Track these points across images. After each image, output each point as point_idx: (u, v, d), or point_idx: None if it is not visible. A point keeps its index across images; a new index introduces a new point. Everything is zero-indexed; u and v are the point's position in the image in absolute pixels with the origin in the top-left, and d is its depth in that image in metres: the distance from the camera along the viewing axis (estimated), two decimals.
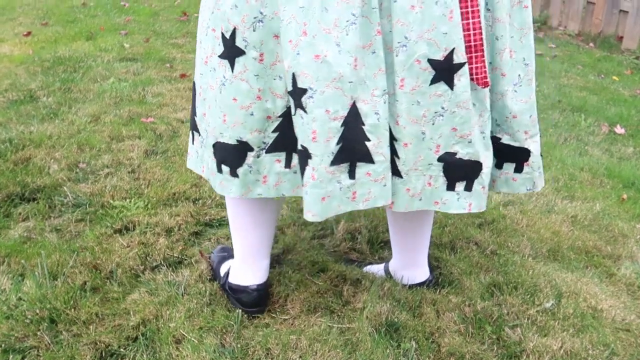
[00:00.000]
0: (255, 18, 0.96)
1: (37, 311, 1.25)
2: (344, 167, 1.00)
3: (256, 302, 1.29)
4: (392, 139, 1.03)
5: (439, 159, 1.05)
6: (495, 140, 1.12)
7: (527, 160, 1.13)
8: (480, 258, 1.56)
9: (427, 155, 1.04)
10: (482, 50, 1.00)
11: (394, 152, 1.04)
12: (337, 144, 0.98)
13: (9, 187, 1.75)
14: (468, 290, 1.42)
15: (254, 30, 0.97)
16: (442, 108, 1.01)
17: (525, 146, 1.12)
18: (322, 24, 0.92)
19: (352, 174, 1.01)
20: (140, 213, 1.66)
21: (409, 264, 1.39)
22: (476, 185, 1.09)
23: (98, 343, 1.18)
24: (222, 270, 1.37)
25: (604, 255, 1.64)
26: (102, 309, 1.28)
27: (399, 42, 0.96)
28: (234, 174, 1.07)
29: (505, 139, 1.12)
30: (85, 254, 1.46)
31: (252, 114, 1.02)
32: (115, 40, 3.52)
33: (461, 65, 0.99)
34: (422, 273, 1.41)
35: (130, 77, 2.86)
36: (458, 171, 1.06)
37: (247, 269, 1.28)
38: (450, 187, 1.08)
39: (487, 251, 1.61)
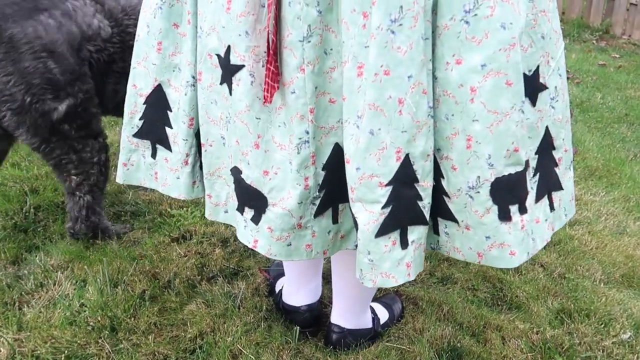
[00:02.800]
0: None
1: (99, 318, 1.26)
2: (147, 143, 1.04)
3: (309, 322, 1.25)
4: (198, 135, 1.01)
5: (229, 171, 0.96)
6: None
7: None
8: (548, 281, 1.47)
9: (225, 164, 0.97)
10: (272, 56, 0.83)
11: (198, 150, 1.02)
12: (140, 119, 1.04)
13: None
14: (536, 316, 1.34)
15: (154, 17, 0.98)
16: (229, 114, 0.91)
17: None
18: (143, 6, 0.99)
19: (153, 154, 1.05)
20: (197, 222, 1.67)
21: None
22: (263, 222, 0.93)
23: (156, 354, 1.19)
24: (277, 287, 1.35)
25: None
26: (160, 319, 1.28)
27: (198, 32, 0.93)
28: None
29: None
30: (144, 262, 1.48)
31: None
32: None
33: (238, 67, 0.86)
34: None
35: None
36: (244, 194, 0.94)
37: (298, 289, 1.25)
38: (240, 208, 0.96)
39: (554, 274, 1.52)
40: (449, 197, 0.88)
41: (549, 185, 0.95)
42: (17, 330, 1.24)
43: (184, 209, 1.75)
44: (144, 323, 1.26)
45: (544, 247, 1.64)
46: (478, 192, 0.85)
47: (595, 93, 3.15)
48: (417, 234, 0.88)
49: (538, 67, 0.87)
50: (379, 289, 1.35)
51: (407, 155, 0.83)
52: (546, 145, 0.93)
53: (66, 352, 1.18)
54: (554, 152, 0.95)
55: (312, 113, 0.85)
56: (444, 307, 1.34)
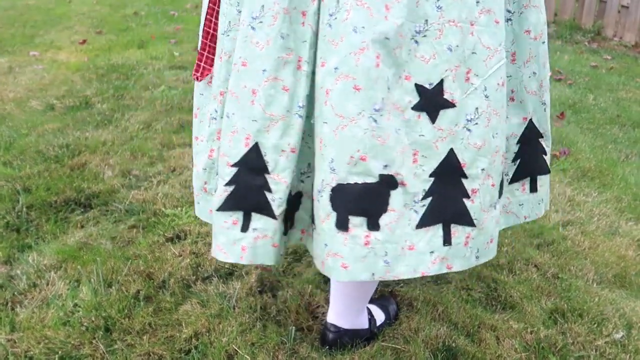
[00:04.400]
0: None
1: (93, 319, 1.25)
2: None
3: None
4: None
5: None
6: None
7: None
8: (541, 281, 1.48)
9: None
10: (207, 44, 0.98)
11: None
12: None
13: (66, 192, 1.79)
14: (529, 316, 1.34)
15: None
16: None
17: None
18: None
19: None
20: (192, 222, 1.66)
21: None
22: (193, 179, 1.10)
23: (151, 354, 1.18)
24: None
25: None
26: (155, 319, 1.28)
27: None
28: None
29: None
30: (138, 262, 1.47)
31: None
32: (165, 49, 3.59)
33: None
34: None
35: (180, 85, 2.91)
36: None
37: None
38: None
39: (547, 274, 1.53)
40: (311, 198, 0.92)
41: (445, 215, 0.86)
42: (10, 331, 1.23)
43: (179, 208, 1.74)
44: (139, 323, 1.26)
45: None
46: (322, 195, 0.85)
47: (588, 94, 3.17)
48: (262, 223, 0.90)
49: (442, 81, 0.81)
50: (375, 290, 1.35)
51: (256, 144, 0.88)
52: (449, 170, 0.85)
53: (60, 352, 1.17)
54: (464, 181, 0.86)
55: (222, 95, 0.94)
56: (438, 307, 1.35)
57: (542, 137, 1.07)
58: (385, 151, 0.81)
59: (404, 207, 0.84)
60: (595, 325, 1.33)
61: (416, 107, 0.82)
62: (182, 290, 1.38)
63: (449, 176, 0.85)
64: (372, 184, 0.82)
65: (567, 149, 2.37)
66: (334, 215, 0.84)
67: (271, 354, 1.19)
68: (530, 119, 1.04)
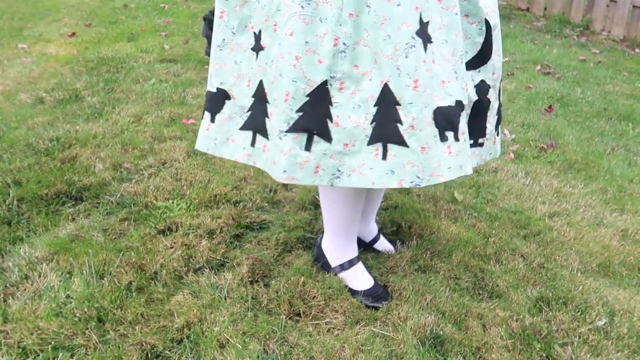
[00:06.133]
0: None
1: (86, 309, 1.27)
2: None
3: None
4: None
5: None
6: None
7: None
8: (527, 271, 1.52)
9: None
10: None
11: None
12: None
13: (57, 185, 1.79)
14: (515, 305, 1.38)
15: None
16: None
17: None
18: None
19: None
20: (183, 214, 1.68)
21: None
22: None
23: (144, 344, 1.19)
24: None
25: None
26: (147, 310, 1.29)
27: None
28: None
29: None
30: (130, 254, 1.48)
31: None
32: (155, 42, 3.58)
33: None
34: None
35: (171, 79, 2.91)
36: None
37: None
38: None
39: (533, 264, 1.56)
40: None
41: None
42: (2, 322, 1.23)
43: (170, 201, 1.75)
44: (131, 314, 1.27)
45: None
46: None
47: (575, 88, 3.21)
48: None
49: (260, 30, 1.13)
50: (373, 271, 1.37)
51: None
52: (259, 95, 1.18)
53: (53, 342, 1.18)
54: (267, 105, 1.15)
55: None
56: (427, 296, 1.37)
57: (399, 104, 1.03)
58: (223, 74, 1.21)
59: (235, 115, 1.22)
60: (579, 313, 1.36)
61: (254, 48, 1.15)
62: (174, 281, 1.40)
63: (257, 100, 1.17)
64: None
65: (554, 142, 2.40)
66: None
67: (262, 342, 1.21)
68: (386, 83, 1.03)
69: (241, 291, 1.36)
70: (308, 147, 1.06)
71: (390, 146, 1.03)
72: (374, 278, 1.40)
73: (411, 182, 1.03)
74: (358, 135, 1.05)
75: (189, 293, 1.35)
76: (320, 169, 1.08)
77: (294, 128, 1.06)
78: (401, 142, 1.03)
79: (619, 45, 4.30)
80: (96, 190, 1.79)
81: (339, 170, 1.08)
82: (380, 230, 1.58)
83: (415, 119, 1.01)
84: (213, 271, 1.44)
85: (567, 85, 3.25)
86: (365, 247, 1.55)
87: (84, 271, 1.39)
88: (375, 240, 1.56)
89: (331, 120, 1.05)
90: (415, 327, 1.27)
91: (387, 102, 1.01)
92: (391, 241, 1.59)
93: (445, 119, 1.05)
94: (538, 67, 3.56)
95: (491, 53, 1.18)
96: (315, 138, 1.06)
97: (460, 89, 1.09)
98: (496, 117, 1.27)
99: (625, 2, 4.30)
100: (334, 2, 1.00)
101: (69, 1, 4.86)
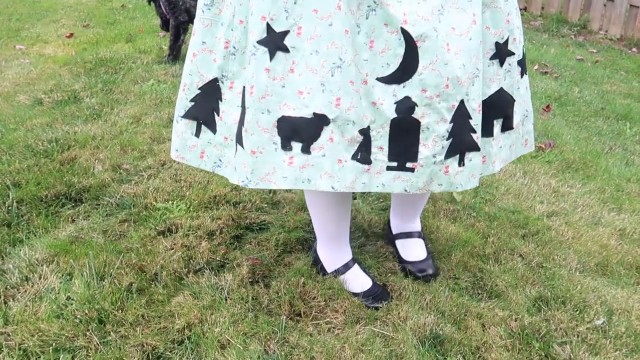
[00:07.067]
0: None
1: (86, 311, 1.27)
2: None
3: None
4: None
5: None
6: None
7: None
8: (526, 271, 1.52)
9: None
10: None
11: None
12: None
13: (57, 187, 1.79)
14: (514, 304, 1.38)
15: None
16: None
17: None
18: None
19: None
20: (183, 215, 1.68)
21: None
22: None
23: (145, 345, 1.20)
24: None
25: None
26: (148, 311, 1.29)
27: None
28: None
29: None
30: (130, 255, 1.48)
31: None
32: (153, 42, 3.58)
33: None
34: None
35: (169, 79, 2.91)
36: None
37: None
38: None
39: (532, 263, 1.57)
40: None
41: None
42: (3, 324, 1.24)
43: (170, 202, 1.75)
44: (132, 315, 1.27)
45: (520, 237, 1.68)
46: None
47: (573, 87, 3.22)
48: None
49: None
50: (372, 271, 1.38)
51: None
52: None
53: (54, 344, 1.18)
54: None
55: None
56: (426, 296, 1.38)
57: (245, 107, 1.12)
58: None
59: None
60: (578, 312, 1.37)
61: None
62: (174, 282, 1.40)
63: None
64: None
65: (552, 141, 2.41)
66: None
67: (263, 343, 1.22)
68: (244, 87, 1.12)
69: (241, 292, 1.37)
70: (197, 134, 1.20)
71: (238, 146, 1.13)
72: (372, 278, 1.41)
73: (242, 181, 1.10)
74: (234, 131, 1.15)
75: (190, 294, 1.35)
76: (205, 155, 1.21)
77: (187, 115, 1.20)
78: (240, 143, 1.11)
79: (616, 44, 4.32)
80: (96, 191, 1.80)
81: (220, 160, 1.19)
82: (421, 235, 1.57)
83: (248, 122, 1.07)
84: (213, 272, 1.44)
85: (565, 84, 3.26)
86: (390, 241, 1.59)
87: (85, 273, 1.39)
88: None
89: (218, 114, 1.16)
90: (415, 327, 1.27)
91: (242, 105, 1.11)
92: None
93: (290, 129, 1.04)
94: (536, 67, 3.58)
95: (417, 66, 1.03)
96: (203, 127, 1.18)
97: (326, 102, 1.02)
98: (446, 141, 1.10)
99: (622, 1, 4.31)
100: (230, 9, 1.09)
101: (66, 2, 4.85)
